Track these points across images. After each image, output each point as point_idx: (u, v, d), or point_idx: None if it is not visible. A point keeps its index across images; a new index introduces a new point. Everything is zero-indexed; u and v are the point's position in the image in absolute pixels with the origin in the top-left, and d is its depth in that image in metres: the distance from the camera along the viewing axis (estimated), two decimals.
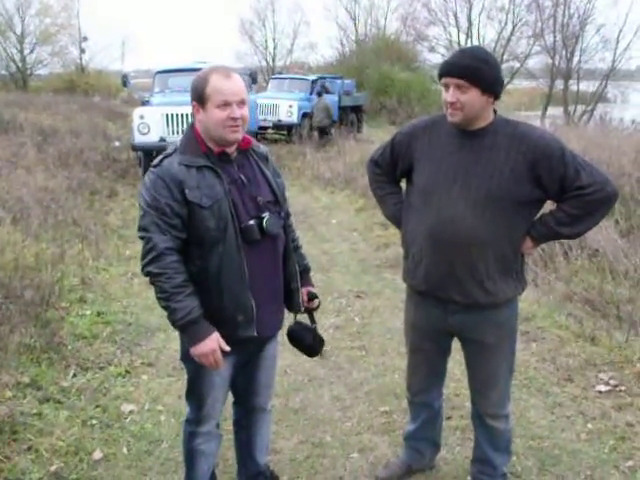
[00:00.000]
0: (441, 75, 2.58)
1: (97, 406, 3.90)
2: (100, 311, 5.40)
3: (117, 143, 15.98)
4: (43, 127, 16.84)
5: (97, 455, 3.40)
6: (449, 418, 3.81)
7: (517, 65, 33.39)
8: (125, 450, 3.49)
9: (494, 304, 2.70)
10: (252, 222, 2.45)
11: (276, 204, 2.60)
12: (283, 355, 4.61)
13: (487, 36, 35.40)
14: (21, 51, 40.98)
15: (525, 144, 2.55)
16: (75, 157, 11.89)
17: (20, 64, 41.08)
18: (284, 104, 19.66)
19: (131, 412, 3.87)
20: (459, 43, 33.21)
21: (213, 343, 2.40)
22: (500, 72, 2.60)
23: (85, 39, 41.33)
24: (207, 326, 2.41)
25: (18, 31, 40.60)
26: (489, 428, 2.95)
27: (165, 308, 2.40)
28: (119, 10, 74.71)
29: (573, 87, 31.90)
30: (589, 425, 3.78)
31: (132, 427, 3.72)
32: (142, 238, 2.40)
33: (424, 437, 3.23)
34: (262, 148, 2.70)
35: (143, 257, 2.39)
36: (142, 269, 2.42)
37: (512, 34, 32.97)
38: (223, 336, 2.46)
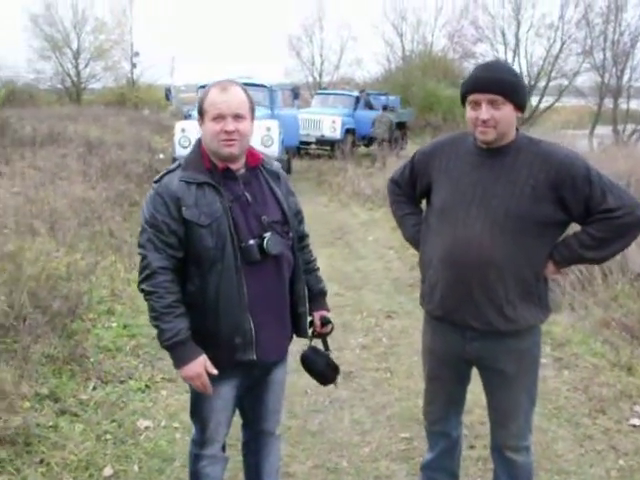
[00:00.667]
0: (470, 92, 2.45)
1: (113, 421, 3.86)
2: (126, 324, 5.39)
3: (161, 155, 16.16)
4: (90, 139, 17.14)
5: (107, 472, 3.36)
6: (472, 447, 3.67)
7: (565, 83, 32.81)
8: (136, 468, 3.43)
9: (514, 331, 2.57)
10: (252, 242, 2.38)
11: (284, 224, 2.52)
12: (305, 375, 4.53)
13: (535, 53, 34.98)
14: (76, 66, 41.99)
15: (548, 163, 2.43)
16: (117, 169, 12.05)
17: (75, 78, 42.11)
18: (327, 119, 19.71)
19: (147, 428, 3.83)
20: (506, 60, 32.78)
21: (197, 367, 2.34)
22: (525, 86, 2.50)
23: (137, 54, 42.10)
24: (194, 349, 2.35)
25: (74, 47, 41.67)
26: (509, 461, 2.79)
27: (155, 327, 2.36)
28: (170, 26, 76.20)
29: (623, 105, 31.22)
30: (621, 461, 3.59)
31: (146, 444, 3.67)
32: (139, 255, 2.37)
33: (442, 467, 3.08)
34: (275, 165, 2.63)
35: (139, 274, 2.38)
36: (138, 286, 2.39)
37: (561, 51, 32.40)
38: (221, 359, 2.40)
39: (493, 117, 2.40)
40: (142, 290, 2.36)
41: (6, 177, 10.95)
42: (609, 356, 4.84)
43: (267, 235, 2.41)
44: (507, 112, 2.40)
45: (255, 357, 2.44)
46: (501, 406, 2.74)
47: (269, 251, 2.40)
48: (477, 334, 2.59)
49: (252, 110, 2.45)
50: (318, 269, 2.87)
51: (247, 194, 2.44)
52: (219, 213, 2.34)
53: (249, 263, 2.38)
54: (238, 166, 2.46)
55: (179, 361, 2.36)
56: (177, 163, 2.47)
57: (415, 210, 2.92)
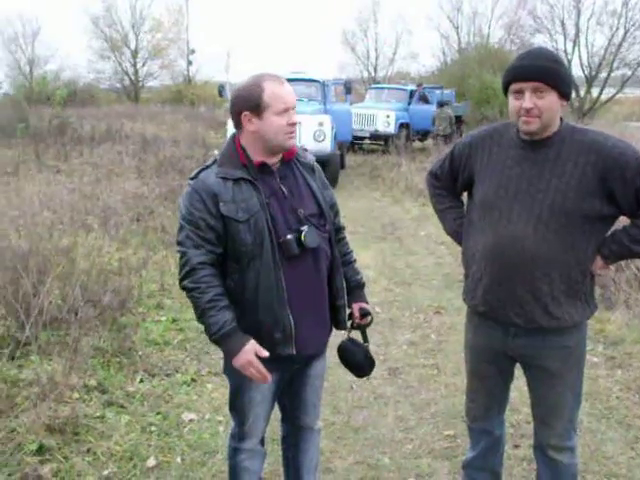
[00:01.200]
0: (512, 80, 2.37)
1: (158, 413, 3.91)
2: (175, 318, 5.46)
3: (215, 151, 16.30)
4: (146, 136, 17.49)
5: (151, 462, 3.40)
6: (517, 447, 3.59)
7: (628, 73, 31.72)
8: (179, 459, 3.47)
9: (559, 328, 2.49)
10: (290, 236, 2.36)
11: (320, 217, 2.50)
12: None
13: (596, 43, 33.95)
14: (134, 65, 43.01)
15: (595, 153, 2.33)
16: (171, 165, 12.23)
17: (133, 77, 43.09)
18: (381, 114, 19.59)
19: (191, 421, 3.86)
20: (565, 51, 31.97)
21: (247, 355, 2.31)
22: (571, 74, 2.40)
23: (193, 52, 42.77)
24: (241, 338, 2.33)
25: (132, 47, 42.68)
26: (551, 461, 2.70)
27: (201, 323, 2.36)
28: (225, 23, 76.95)
29: None
30: None
31: (190, 436, 3.70)
32: (178, 252, 2.37)
33: (483, 466, 3.01)
34: (309, 158, 2.61)
35: (179, 272, 2.37)
36: (179, 284, 2.39)
37: (624, 40, 31.22)
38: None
39: (537, 106, 2.32)
40: (184, 288, 2.36)
41: (64, 174, 11.27)
42: None
43: (304, 228, 2.39)
44: (551, 100, 2.32)
45: (295, 351, 2.42)
46: (545, 404, 2.66)
47: (307, 244, 2.38)
48: (521, 331, 2.52)
49: None
50: (355, 261, 2.83)
51: (283, 188, 2.42)
52: (256, 208, 2.33)
53: (287, 257, 2.37)
54: (274, 160, 2.45)
55: (229, 353, 2.35)
56: (213, 159, 2.46)
57: (456, 203, 2.85)
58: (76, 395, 3.89)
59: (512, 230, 2.42)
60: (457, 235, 2.81)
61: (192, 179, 2.39)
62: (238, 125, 2.42)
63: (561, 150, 2.38)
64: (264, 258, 2.33)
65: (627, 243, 2.42)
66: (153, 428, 3.74)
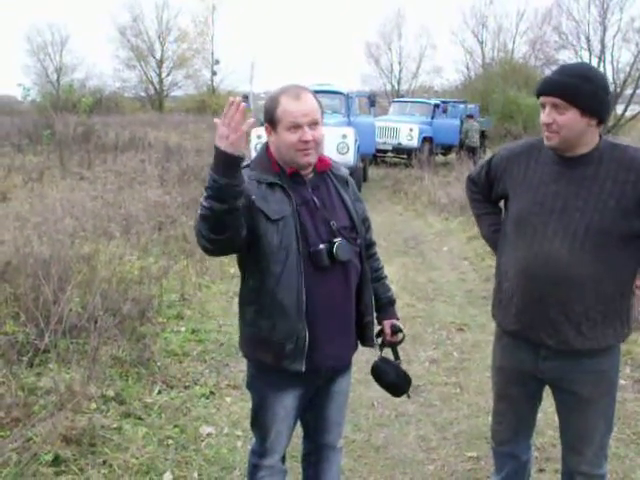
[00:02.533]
0: (537, 94, 2.35)
1: (176, 426, 3.85)
2: (195, 329, 5.42)
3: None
4: (169, 145, 17.58)
5: (167, 477, 3.33)
6: (541, 471, 3.49)
7: None
8: (196, 474, 3.40)
9: (592, 351, 2.40)
10: (322, 247, 2.31)
11: (352, 230, 2.45)
12: (373, 387, 4.42)
13: (622, 59, 33.66)
14: (159, 74, 43.46)
15: (635, 171, 2.27)
16: (194, 174, 12.24)
17: (158, 86, 43.50)
18: (405, 128, 19.58)
19: (209, 435, 3.80)
20: (592, 65, 31.72)
21: (219, 128, 1.98)
22: (606, 91, 2.31)
23: (217, 62, 43.15)
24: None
25: (158, 56, 43.13)
26: None
27: (210, 198, 2.06)
28: (250, 34, 77.59)
29: None
30: None
31: (207, 450, 3.64)
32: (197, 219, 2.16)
33: None
34: (342, 171, 2.56)
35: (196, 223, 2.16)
36: (195, 230, 2.19)
37: None
38: (268, 362, 2.38)
39: (555, 121, 2.28)
40: (198, 229, 2.15)
41: (87, 181, 11.33)
42: None
43: (337, 240, 2.34)
44: (571, 117, 2.26)
45: (304, 369, 2.35)
46: (575, 430, 2.57)
47: (338, 257, 2.32)
48: (552, 353, 2.45)
49: (322, 114, 2.39)
50: (386, 277, 2.78)
51: (315, 199, 2.38)
52: (288, 212, 2.28)
53: (317, 268, 2.31)
54: (307, 171, 2.40)
55: (218, 151, 2.00)
56: (246, 163, 2.40)
57: (492, 209, 2.80)
58: (93, 405, 3.84)
59: (546, 249, 2.35)
60: (492, 241, 2.76)
61: None
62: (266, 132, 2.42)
63: (599, 168, 2.32)
64: (288, 264, 2.27)
65: None
66: (170, 441, 3.68)
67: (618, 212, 2.26)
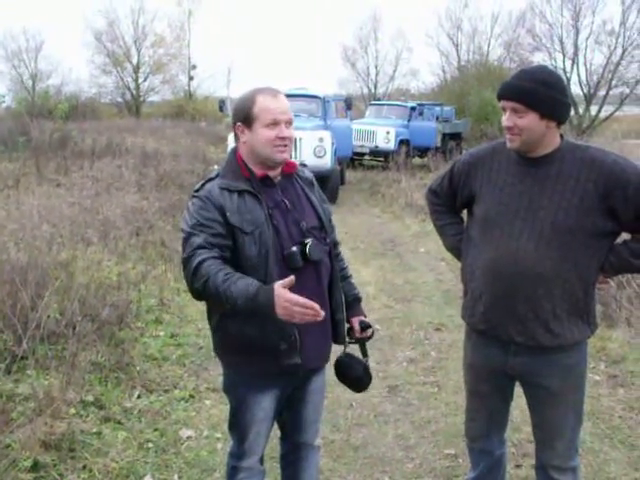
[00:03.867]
0: (499, 97, 2.41)
1: (156, 429, 3.86)
2: (174, 333, 5.42)
3: (216, 166, 16.28)
4: (147, 150, 17.50)
5: None
6: (518, 466, 3.55)
7: (627, 91, 31.85)
8: (176, 477, 3.42)
9: (560, 347, 2.46)
10: (295, 248, 2.34)
11: (321, 230, 2.50)
12: None
13: (595, 61, 34.05)
14: (136, 80, 43.21)
15: (596, 171, 2.33)
16: (171, 179, 12.23)
17: (134, 92, 43.26)
18: (381, 130, 19.69)
19: (189, 438, 3.82)
20: (564, 69, 32.12)
21: (282, 297, 2.08)
22: (564, 94, 2.37)
23: (194, 67, 43.00)
24: (266, 288, 2.13)
25: (134, 62, 42.89)
26: None
27: (230, 306, 2.18)
28: (226, 39, 77.38)
29: None
30: None
31: (187, 453, 3.65)
32: (186, 257, 2.25)
33: None
34: (307, 173, 2.62)
35: (189, 276, 2.24)
36: (191, 291, 2.28)
37: (622, 58, 31.44)
38: (268, 364, 2.39)
39: (516, 125, 2.35)
40: (197, 290, 2.22)
41: (64, 187, 11.25)
42: None
43: (309, 241, 2.37)
44: (531, 121, 2.32)
45: (300, 360, 2.39)
46: (546, 424, 2.63)
47: (311, 257, 2.36)
48: (521, 349, 2.50)
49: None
50: (351, 276, 2.82)
51: (286, 200, 2.42)
52: (261, 220, 2.32)
53: (291, 270, 2.34)
54: (276, 173, 2.44)
55: (267, 308, 2.10)
56: (216, 172, 2.45)
57: (456, 219, 2.84)
58: (73, 411, 3.84)
59: (513, 247, 2.40)
60: (457, 251, 2.79)
61: (197, 191, 2.37)
62: (236, 137, 2.43)
63: (562, 167, 2.38)
64: (269, 270, 2.30)
65: (627, 256, 2.41)
66: (150, 445, 3.69)
67: (581, 210, 2.32)
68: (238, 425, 2.57)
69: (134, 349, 4.90)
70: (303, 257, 2.35)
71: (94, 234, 7.49)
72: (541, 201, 2.38)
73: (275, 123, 2.33)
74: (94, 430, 3.72)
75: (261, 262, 2.31)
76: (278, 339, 2.36)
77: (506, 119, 2.36)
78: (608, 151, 2.44)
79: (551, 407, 2.57)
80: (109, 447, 3.58)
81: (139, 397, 4.24)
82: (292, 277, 2.11)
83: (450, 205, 2.80)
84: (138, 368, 4.61)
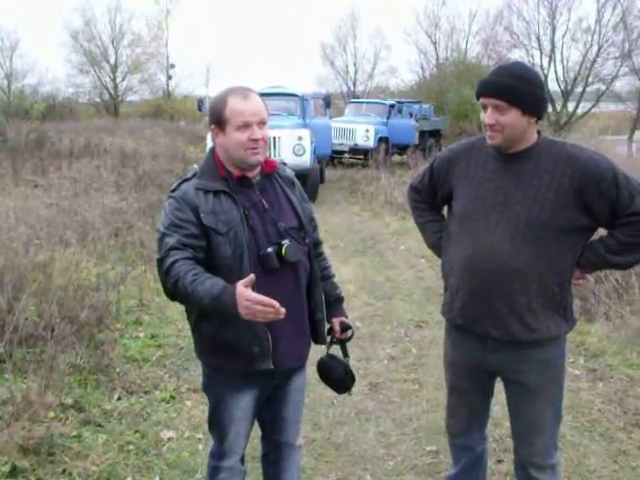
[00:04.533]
0: (478, 95, 2.41)
1: (136, 431, 3.84)
2: (154, 334, 5.39)
3: (195, 166, 16.10)
4: (126, 150, 17.39)
5: None
6: (500, 462, 3.57)
7: (603, 88, 32.18)
8: (158, 479, 3.40)
9: (537, 342, 2.47)
10: (270, 249, 2.33)
11: (300, 230, 2.48)
12: None
13: (571, 58, 34.41)
14: (114, 79, 42.84)
15: (571, 166, 2.34)
16: (150, 179, 12.16)
17: (112, 92, 42.91)
18: (361, 128, 19.70)
19: (170, 439, 3.80)
20: (542, 66, 32.37)
21: (242, 296, 2.04)
22: (543, 90, 2.39)
23: (172, 66, 42.77)
24: (230, 288, 2.10)
25: (112, 61, 42.53)
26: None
27: (198, 304, 2.19)
28: (204, 38, 77.03)
29: None
30: None
31: (168, 455, 3.63)
32: (162, 259, 2.24)
33: None
34: (288, 172, 2.60)
35: (164, 278, 2.23)
36: (165, 291, 2.29)
37: (598, 55, 31.75)
38: (240, 367, 2.39)
39: (498, 122, 2.35)
40: (170, 291, 2.24)
41: (42, 188, 11.15)
42: None
43: (285, 242, 2.36)
44: (513, 117, 2.33)
45: (273, 366, 2.39)
46: (525, 420, 2.64)
47: (288, 258, 2.35)
48: (498, 344, 2.51)
49: (267, 115, 2.42)
50: (333, 275, 2.82)
51: (263, 201, 2.41)
52: (236, 221, 2.31)
53: (267, 270, 2.34)
54: (254, 173, 2.43)
55: (229, 309, 2.08)
56: (192, 172, 2.44)
57: (437, 217, 2.85)
58: (52, 414, 3.81)
59: (489, 242, 2.42)
60: (438, 248, 2.80)
61: (173, 191, 2.36)
62: (213, 138, 2.43)
63: (538, 163, 2.39)
64: (243, 272, 2.28)
65: (603, 252, 2.42)
66: (131, 447, 3.67)
67: (556, 205, 2.33)
68: (217, 424, 2.56)
69: (114, 351, 4.87)
70: (279, 258, 2.34)
71: (72, 235, 7.42)
72: (516, 196, 2.39)
73: (246, 125, 2.31)
74: (74, 433, 3.69)
75: (236, 263, 2.30)
76: (250, 342, 2.35)
77: (488, 116, 2.36)
78: (584, 147, 2.46)
79: (529, 403, 2.58)
80: (89, 450, 3.55)
81: (119, 399, 4.22)
82: (252, 276, 2.09)
83: (431, 202, 2.81)
84: (118, 370, 4.58)
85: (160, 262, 2.25)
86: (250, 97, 2.34)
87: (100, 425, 3.85)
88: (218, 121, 2.35)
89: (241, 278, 2.25)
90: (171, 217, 2.29)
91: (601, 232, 2.48)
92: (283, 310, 2.07)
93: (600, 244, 2.44)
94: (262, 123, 2.34)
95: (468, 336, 2.59)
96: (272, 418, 2.69)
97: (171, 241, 2.24)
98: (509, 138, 2.37)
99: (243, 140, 2.31)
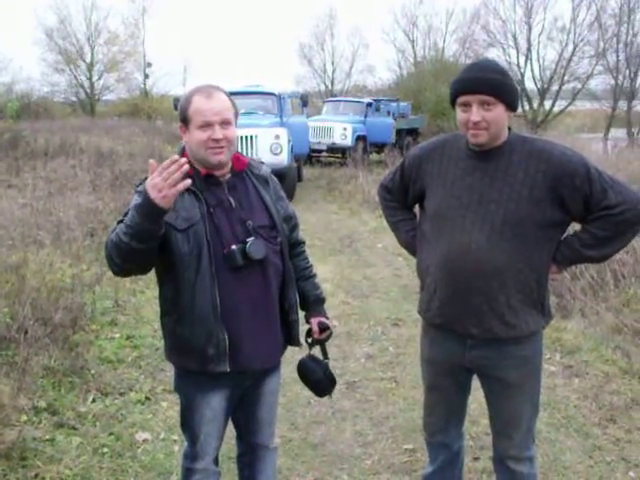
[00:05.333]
0: (460, 93, 2.37)
1: (111, 434, 3.79)
2: (130, 334, 5.34)
3: None
4: (102, 150, 17.22)
5: None
6: (476, 459, 3.58)
7: (579, 86, 32.51)
8: None
9: (516, 338, 2.48)
10: (234, 247, 2.31)
11: (272, 229, 2.46)
12: None
13: (547, 57, 34.78)
14: (90, 78, 42.42)
15: (545, 162, 2.35)
16: (126, 179, 12.03)
17: (89, 90, 42.51)
18: (338, 127, 19.71)
19: (145, 441, 3.76)
20: (518, 65, 32.69)
21: (148, 186, 2.01)
22: (515, 84, 2.41)
23: (149, 65, 42.45)
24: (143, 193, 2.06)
25: (88, 60, 42.11)
26: (511, 472, 2.68)
27: (130, 239, 2.10)
28: (182, 37, 76.64)
29: (637, 108, 30.84)
30: (631, 473, 3.47)
31: (143, 457, 3.60)
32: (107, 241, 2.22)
33: None
34: (263, 170, 2.56)
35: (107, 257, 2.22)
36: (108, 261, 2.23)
37: (573, 54, 32.09)
38: (194, 368, 2.40)
39: (484, 119, 2.33)
40: (108, 253, 2.19)
41: (16, 189, 11.01)
42: (620, 363, 4.72)
43: (250, 240, 2.34)
44: (499, 113, 2.33)
45: (228, 369, 2.35)
46: (503, 415, 2.65)
47: (252, 256, 2.32)
48: (478, 342, 2.51)
49: (236, 115, 2.39)
50: (315, 275, 2.79)
51: (231, 199, 2.38)
52: (197, 219, 2.28)
53: (234, 269, 2.32)
54: (223, 172, 2.40)
55: (149, 200, 2.01)
56: None
57: (408, 215, 2.84)
58: (24, 417, 3.75)
59: (466, 240, 2.41)
60: (412, 247, 2.79)
61: (138, 186, 2.30)
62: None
63: (511, 159, 2.40)
64: (201, 271, 2.28)
65: (578, 247, 2.43)
66: (105, 450, 3.62)
67: (532, 201, 2.34)
68: (188, 426, 2.54)
69: (89, 352, 4.81)
70: (244, 256, 2.32)
71: (46, 236, 7.33)
72: (491, 194, 2.39)
73: (207, 125, 2.28)
74: (47, 437, 3.64)
75: (193, 260, 2.28)
76: (205, 343, 2.33)
77: (474, 114, 2.32)
78: (555, 143, 2.47)
79: (508, 398, 2.59)
80: (62, 454, 3.50)
81: (94, 401, 4.17)
82: (152, 160, 2.04)
83: (402, 201, 2.79)
84: (93, 371, 4.53)
85: (105, 244, 2.22)
86: (213, 96, 2.31)
87: (74, 428, 3.80)
88: (184, 119, 2.35)
89: (197, 275, 2.28)
90: (130, 208, 2.21)
91: (576, 227, 2.49)
92: (184, 160, 2.01)
93: (575, 239, 2.45)
94: (226, 123, 2.31)
95: (447, 335, 2.59)
96: (246, 420, 2.67)
97: (119, 224, 2.18)
98: (493, 135, 2.37)
99: (204, 139, 2.29)
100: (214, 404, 2.45)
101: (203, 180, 2.35)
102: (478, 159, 2.44)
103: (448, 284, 2.50)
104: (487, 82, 2.32)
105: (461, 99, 2.38)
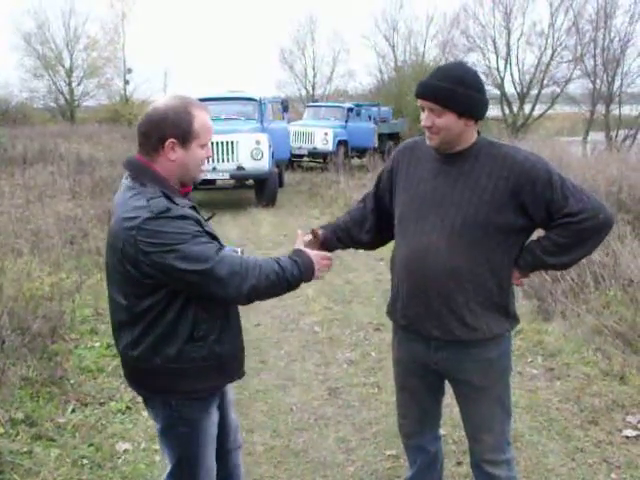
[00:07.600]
0: (416, 96, 2.42)
1: (91, 444, 3.74)
2: (110, 343, 5.24)
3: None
4: (81, 156, 17.11)
5: None
6: (459, 464, 3.57)
7: (557, 90, 32.83)
8: None
9: (479, 341, 2.49)
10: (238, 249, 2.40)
11: None
12: (291, 392, 4.44)
13: (526, 61, 35.02)
14: (69, 84, 42.06)
15: (508, 167, 2.36)
16: (106, 185, 11.95)
17: (68, 96, 42.16)
18: (319, 132, 19.69)
19: (125, 451, 3.71)
20: (498, 69, 32.96)
21: (317, 261, 2.39)
22: (481, 91, 2.40)
23: (130, 71, 42.17)
24: (303, 256, 2.35)
25: (67, 65, 41.77)
26: (490, 476, 2.67)
27: (287, 287, 2.30)
28: (162, 42, 76.21)
29: (615, 111, 31.20)
30: (613, 475, 3.48)
31: (124, 467, 3.55)
32: (205, 271, 2.07)
33: None
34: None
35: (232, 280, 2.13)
36: (241, 298, 2.20)
37: (552, 59, 32.44)
38: (222, 384, 2.44)
39: (434, 124, 2.36)
40: (248, 294, 2.17)
41: None
42: (601, 365, 4.73)
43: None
44: (448, 120, 2.34)
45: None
46: (473, 418, 2.66)
47: None
48: (441, 344, 2.52)
49: None
50: None
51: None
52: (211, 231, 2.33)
53: None
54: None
55: (310, 275, 2.37)
56: (153, 194, 2.32)
57: (364, 207, 2.84)
58: (0, 430, 3.69)
59: (425, 242, 2.43)
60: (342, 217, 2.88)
61: (169, 210, 2.10)
62: (156, 150, 2.18)
63: (475, 164, 2.41)
64: None
65: (539, 253, 2.45)
66: (85, 461, 3.57)
67: (492, 206, 2.35)
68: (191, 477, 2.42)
69: (68, 362, 4.76)
70: None
71: (25, 244, 7.25)
72: (453, 197, 2.40)
73: (206, 143, 2.26)
74: (24, 449, 3.57)
75: None
76: (242, 351, 2.45)
77: (425, 119, 2.37)
78: (521, 149, 2.49)
79: (475, 401, 2.60)
80: (41, 466, 3.44)
81: (73, 411, 4.11)
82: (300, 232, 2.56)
83: (369, 206, 2.81)
84: (72, 381, 4.48)
85: (214, 268, 2.09)
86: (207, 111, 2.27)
87: (52, 439, 3.75)
88: (184, 135, 2.17)
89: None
90: (183, 225, 2.09)
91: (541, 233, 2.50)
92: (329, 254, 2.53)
93: (536, 245, 2.47)
94: None
95: (412, 336, 2.61)
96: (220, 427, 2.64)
97: (211, 245, 2.13)
98: (445, 140, 2.39)
99: (203, 157, 2.26)
100: (215, 417, 2.43)
101: (184, 197, 2.29)
102: (443, 162, 2.46)
103: (409, 286, 2.52)
104: (434, 90, 2.34)
105: (418, 102, 2.43)
